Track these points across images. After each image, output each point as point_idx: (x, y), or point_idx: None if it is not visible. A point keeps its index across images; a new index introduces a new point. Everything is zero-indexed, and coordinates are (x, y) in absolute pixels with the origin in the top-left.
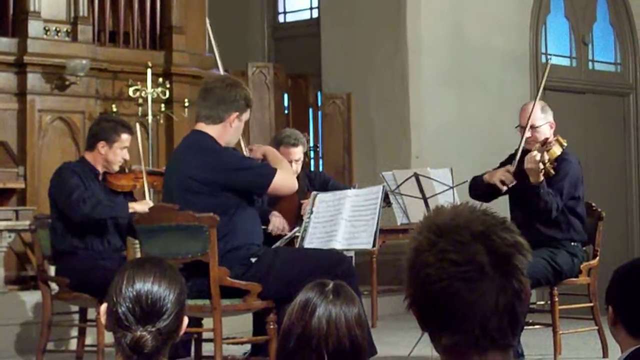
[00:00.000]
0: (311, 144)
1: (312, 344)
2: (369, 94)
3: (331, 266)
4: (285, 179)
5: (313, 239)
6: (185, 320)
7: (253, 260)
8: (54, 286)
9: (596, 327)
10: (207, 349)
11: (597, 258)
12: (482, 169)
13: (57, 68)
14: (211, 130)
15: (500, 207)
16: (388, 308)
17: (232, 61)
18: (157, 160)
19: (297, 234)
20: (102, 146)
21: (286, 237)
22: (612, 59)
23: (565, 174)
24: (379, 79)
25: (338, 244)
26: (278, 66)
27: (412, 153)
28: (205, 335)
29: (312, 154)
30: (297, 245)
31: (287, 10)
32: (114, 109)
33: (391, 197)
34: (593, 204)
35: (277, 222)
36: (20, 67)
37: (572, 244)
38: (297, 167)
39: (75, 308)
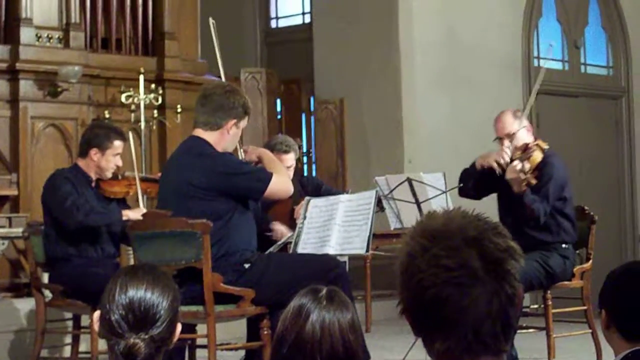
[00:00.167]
0: (304, 149)
1: (306, 350)
2: (361, 99)
3: (325, 271)
4: (281, 183)
5: (306, 245)
6: (179, 327)
7: (246, 266)
8: (48, 293)
9: (590, 331)
10: (201, 355)
11: (590, 261)
12: None
13: (50, 75)
14: (208, 136)
15: (491, 213)
16: (382, 313)
17: (225, 66)
18: (150, 166)
19: (290, 239)
20: (94, 153)
21: (279, 242)
22: (604, 63)
23: (549, 177)
24: (371, 83)
25: (331, 249)
26: (271, 71)
27: (405, 158)
28: (199, 341)
29: (305, 159)
30: (290, 251)
31: (279, 15)
32: (107, 116)
33: (384, 202)
34: (586, 207)
35: (282, 228)
36: (12, 74)
37: (564, 246)
38: (290, 173)
39: (68, 315)
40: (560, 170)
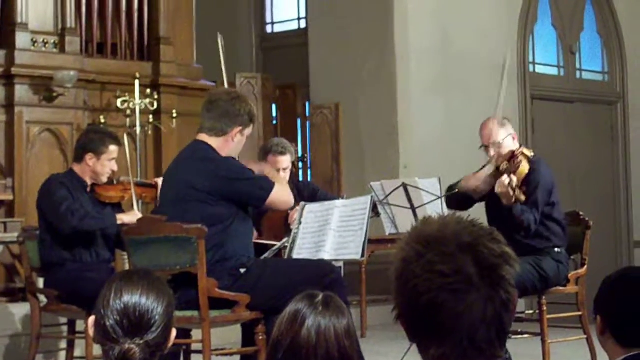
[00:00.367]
0: (299, 154)
1: (301, 355)
2: (357, 104)
3: (320, 277)
4: (282, 194)
5: (302, 250)
6: (174, 332)
7: (242, 271)
8: (43, 298)
9: (585, 336)
10: None
11: (585, 267)
12: None
13: (45, 79)
14: (213, 142)
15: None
16: (377, 318)
17: (220, 72)
18: (145, 171)
19: (285, 244)
20: (90, 158)
21: (274, 247)
22: (600, 68)
23: (536, 185)
24: (367, 89)
25: (327, 255)
26: (266, 77)
27: (401, 163)
28: (194, 346)
29: (300, 164)
30: (285, 256)
31: (275, 20)
32: (102, 121)
33: (379, 208)
34: (581, 213)
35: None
36: (8, 79)
37: (556, 250)
38: (286, 176)
39: (64, 320)
40: (546, 176)
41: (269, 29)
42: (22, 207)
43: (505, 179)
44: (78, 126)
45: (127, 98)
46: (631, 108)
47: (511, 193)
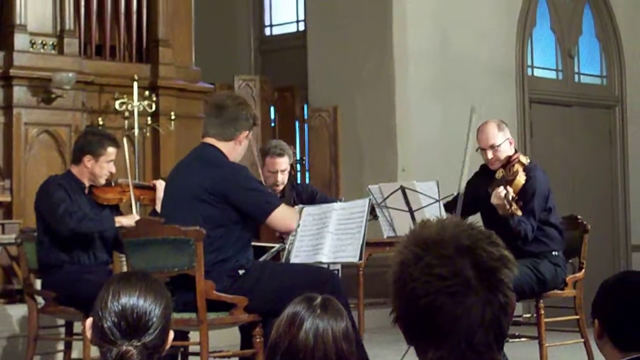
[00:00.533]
0: (298, 157)
1: (299, 358)
2: (355, 107)
3: (319, 283)
4: (287, 215)
5: (299, 252)
6: (171, 334)
7: (241, 272)
8: (40, 300)
9: (582, 340)
10: None
11: (583, 270)
12: None
13: (44, 81)
14: (222, 146)
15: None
16: (374, 321)
17: (218, 74)
18: (143, 173)
19: (283, 247)
20: (88, 160)
21: (272, 250)
22: (598, 72)
23: (532, 193)
24: (365, 91)
25: (324, 257)
26: (264, 79)
27: (399, 166)
28: (191, 349)
29: (298, 167)
30: (283, 259)
31: (273, 23)
32: (101, 122)
33: (377, 210)
34: (579, 217)
35: None
36: (6, 80)
37: (554, 253)
38: (284, 177)
39: (61, 322)
40: (542, 183)
41: (267, 31)
42: (20, 208)
43: (501, 190)
44: (76, 128)
45: (125, 100)
46: (629, 112)
47: (507, 207)
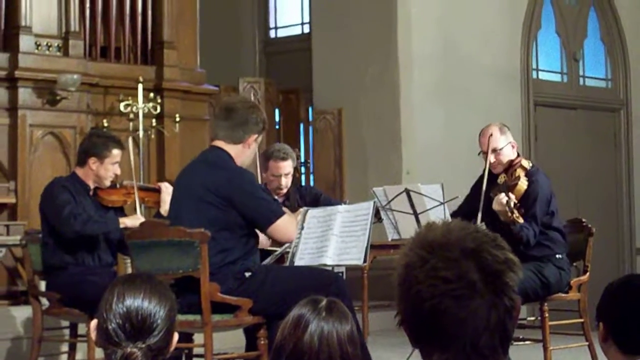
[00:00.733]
0: (302, 160)
1: None
2: (360, 110)
3: (323, 285)
4: (289, 226)
5: (304, 255)
6: (176, 336)
7: (247, 275)
8: (45, 301)
9: (587, 343)
10: None
11: (588, 274)
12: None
13: (49, 83)
14: (230, 148)
15: None
16: (379, 324)
17: (223, 76)
18: (148, 175)
19: (287, 249)
20: (93, 162)
21: (277, 252)
22: (603, 75)
23: (535, 197)
24: (370, 94)
25: (329, 260)
26: (269, 81)
27: (403, 168)
28: (196, 351)
29: (303, 170)
30: (287, 261)
31: (278, 25)
32: (105, 124)
33: (382, 213)
34: (583, 220)
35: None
36: (11, 82)
37: (557, 256)
38: (287, 181)
39: (65, 323)
40: (544, 187)
41: (272, 33)
42: (25, 210)
43: (502, 197)
44: (81, 130)
45: (130, 102)
46: (634, 115)
47: (509, 214)
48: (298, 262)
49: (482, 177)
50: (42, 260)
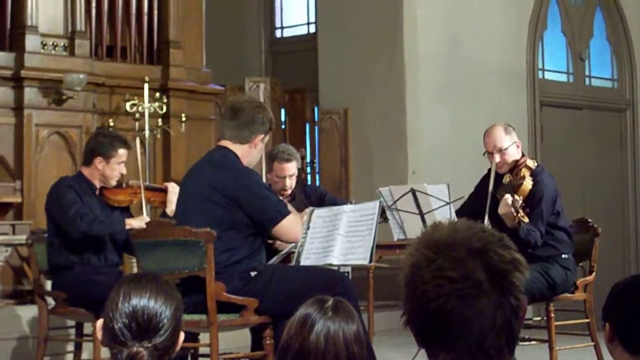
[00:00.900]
0: (308, 159)
1: None
2: (365, 109)
3: (329, 285)
4: (295, 225)
5: (310, 255)
6: (182, 335)
7: (253, 274)
8: (51, 301)
9: (592, 343)
10: None
11: (594, 274)
12: None
13: (54, 82)
14: (237, 149)
15: None
16: (384, 323)
17: (229, 76)
18: (154, 175)
19: (293, 249)
20: (99, 161)
21: (282, 252)
22: (609, 75)
23: (540, 197)
24: (375, 94)
25: (335, 260)
26: (275, 81)
27: (409, 168)
28: (201, 350)
29: (308, 169)
30: (293, 261)
31: (284, 25)
32: (111, 124)
33: (388, 213)
34: (589, 220)
35: None
36: (17, 82)
37: (563, 256)
38: (292, 182)
39: (71, 323)
40: (549, 187)
41: (278, 33)
42: (31, 209)
43: (508, 197)
44: (87, 129)
45: (136, 101)
46: None
47: (514, 214)
48: (304, 262)
49: (486, 176)
50: (48, 259)
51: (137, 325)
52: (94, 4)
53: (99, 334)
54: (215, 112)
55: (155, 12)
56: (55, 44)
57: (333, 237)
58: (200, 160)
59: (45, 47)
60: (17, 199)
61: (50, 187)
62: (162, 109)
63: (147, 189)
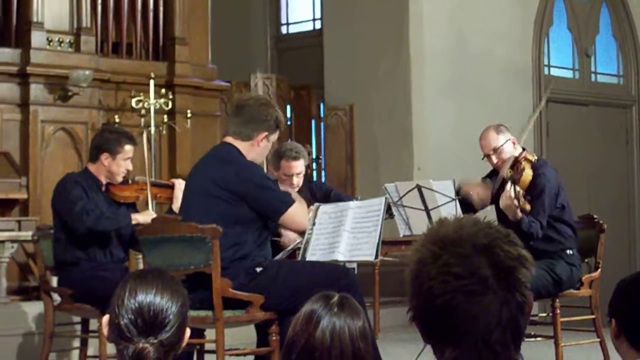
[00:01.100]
0: (314, 156)
1: (315, 356)
2: (371, 106)
3: (334, 280)
4: (299, 214)
5: (315, 251)
6: (188, 331)
7: (258, 270)
8: (56, 297)
9: (598, 340)
10: None
11: (599, 270)
12: None
13: (60, 79)
14: (239, 145)
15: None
16: (390, 320)
17: (235, 72)
18: (159, 171)
19: (299, 245)
20: (105, 158)
21: (288, 248)
22: (615, 71)
23: (541, 189)
24: (381, 90)
25: (340, 256)
26: (281, 77)
27: (415, 164)
28: (207, 346)
29: (314, 166)
30: (299, 257)
31: (290, 21)
32: (117, 120)
33: (393, 209)
34: (595, 216)
35: (290, 234)
36: (23, 78)
37: (568, 252)
38: (299, 180)
39: (77, 319)
40: (551, 179)
41: (284, 29)
42: (37, 205)
43: (509, 189)
44: (93, 125)
45: (141, 98)
46: None
47: (516, 203)
48: (310, 258)
49: (491, 173)
50: (54, 255)
51: (143, 321)
52: (99, 1)
53: (105, 330)
54: (220, 108)
55: (161, 8)
56: (61, 40)
57: (339, 233)
58: (204, 156)
59: (51, 44)
60: (23, 196)
61: (57, 183)
62: (167, 105)
63: (153, 185)
